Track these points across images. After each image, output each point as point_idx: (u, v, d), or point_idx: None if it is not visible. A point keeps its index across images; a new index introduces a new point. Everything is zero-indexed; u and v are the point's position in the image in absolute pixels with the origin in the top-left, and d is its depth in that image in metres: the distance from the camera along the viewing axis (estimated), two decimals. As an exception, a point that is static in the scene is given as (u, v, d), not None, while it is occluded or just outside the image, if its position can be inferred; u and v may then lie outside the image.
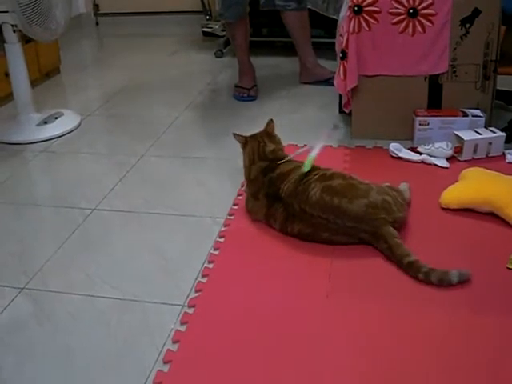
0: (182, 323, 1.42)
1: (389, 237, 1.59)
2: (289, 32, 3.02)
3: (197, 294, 1.52)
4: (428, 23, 2.18)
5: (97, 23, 4.78)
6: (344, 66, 2.25)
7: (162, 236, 1.79)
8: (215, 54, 3.71)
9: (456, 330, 1.35)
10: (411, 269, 1.51)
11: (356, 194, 1.64)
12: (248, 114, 2.76)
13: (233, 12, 2.85)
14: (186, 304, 1.49)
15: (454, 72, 2.25)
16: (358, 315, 1.41)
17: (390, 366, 1.26)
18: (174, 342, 1.36)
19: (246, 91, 2.94)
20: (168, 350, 1.34)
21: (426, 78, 2.27)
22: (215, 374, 1.27)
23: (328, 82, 2.89)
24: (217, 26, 3.93)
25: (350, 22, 2.19)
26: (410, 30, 2.19)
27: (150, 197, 2.04)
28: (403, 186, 1.86)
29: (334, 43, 2.51)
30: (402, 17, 2.18)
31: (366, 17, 2.18)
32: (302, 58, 3.07)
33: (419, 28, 2.19)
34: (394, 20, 2.18)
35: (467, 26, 2.17)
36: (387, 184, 1.78)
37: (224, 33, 3.80)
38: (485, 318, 1.38)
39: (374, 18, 2.18)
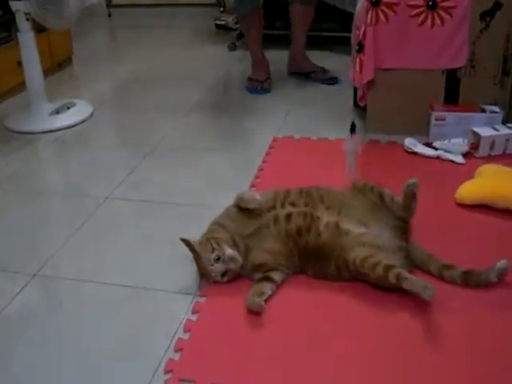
0: (193, 312, 1.41)
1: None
2: (291, 23, 3.02)
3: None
4: (447, 16, 2.14)
5: (109, 14, 4.77)
6: (360, 59, 2.22)
7: (174, 225, 1.77)
8: (228, 46, 3.68)
9: (480, 335, 1.33)
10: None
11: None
12: (260, 107, 2.74)
13: (247, 5, 2.83)
14: (197, 293, 1.47)
15: (473, 66, 2.22)
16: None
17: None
18: (186, 330, 1.35)
19: (260, 84, 2.92)
20: (179, 338, 1.32)
21: (443, 72, 2.24)
22: (226, 363, 1.25)
23: (309, 75, 3.00)
24: (230, 19, 3.90)
25: (367, 14, 2.16)
26: (429, 22, 2.16)
27: (162, 187, 2.03)
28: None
29: (348, 37, 2.48)
30: (421, 9, 2.14)
31: (384, 9, 2.15)
32: (293, 51, 3.08)
33: (438, 21, 2.15)
34: (413, 12, 2.15)
35: (487, 19, 2.14)
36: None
37: (237, 26, 3.77)
38: (506, 317, 1.36)
39: (393, 10, 2.15)
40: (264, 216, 1.53)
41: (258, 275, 1.48)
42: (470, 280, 1.43)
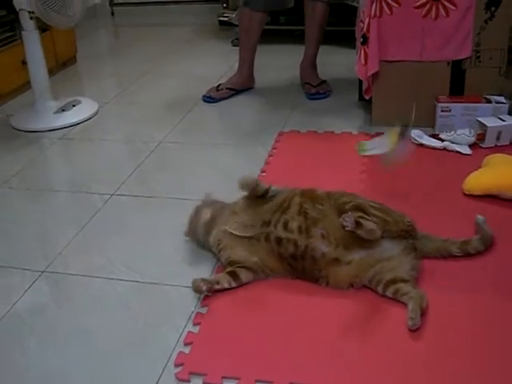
0: (202, 306, 1.41)
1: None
2: (310, 24, 2.73)
3: (217, 278, 1.50)
4: (452, 6, 2.13)
5: (112, 13, 4.78)
6: (365, 51, 2.21)
7: (181, 220, 1.76)
8: (232, 42, 3.68)
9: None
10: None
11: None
12: (265, 101, 2.74)
13: (259, 1, 2.64)
14: (206, 287, 1.47)
15: (478, 57, 2.21)
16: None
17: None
18: (195, 324, 1.35)
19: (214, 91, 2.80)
20: (189, 331, 1.32)
21: (448, 63, 2.23)
22: (236, 356, 1.25)
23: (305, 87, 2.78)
24: (233, 15, 3.90)
25: (371, 6, 2.15)
26: (433, 13, 2.15)
27: (169, 182, 2.03)
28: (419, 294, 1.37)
29: (351, 31, 2.46)
30: (425, 0, 2.13)
31: (388, 0, 2.14)
32: (304, 56, 2.84)
33: (442, 12, 2.14)
34: (417, 3, 2.14)
35: (492, 9, 2.13)
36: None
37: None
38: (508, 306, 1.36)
39: (396, 2, 2.14)
40: (257, 228, 1.48)
41: (228, 269, 1.47)
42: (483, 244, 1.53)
